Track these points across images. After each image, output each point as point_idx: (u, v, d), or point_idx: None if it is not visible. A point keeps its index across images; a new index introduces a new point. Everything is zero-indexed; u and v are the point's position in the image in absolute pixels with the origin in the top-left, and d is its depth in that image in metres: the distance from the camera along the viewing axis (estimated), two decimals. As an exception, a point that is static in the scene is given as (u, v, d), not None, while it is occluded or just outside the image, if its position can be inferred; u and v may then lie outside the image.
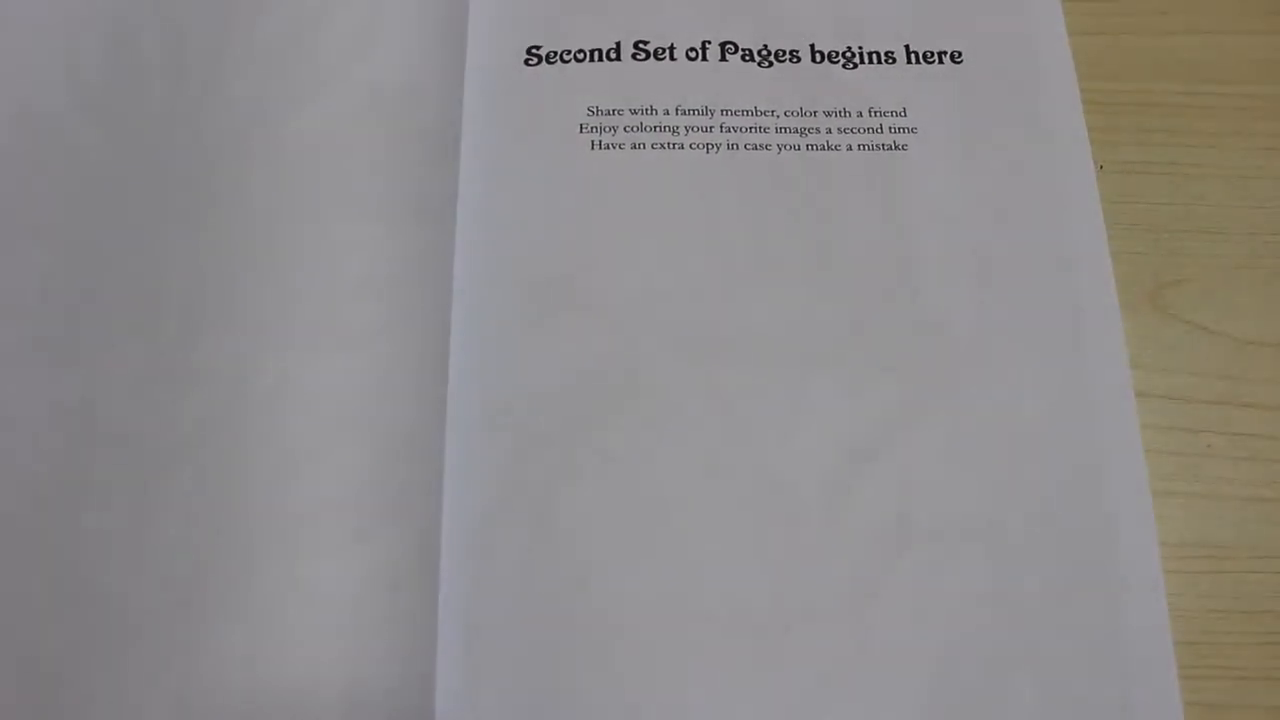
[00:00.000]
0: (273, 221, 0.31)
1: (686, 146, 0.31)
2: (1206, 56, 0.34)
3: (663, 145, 0.31)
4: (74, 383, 0.30)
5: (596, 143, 0.31)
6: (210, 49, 0.33)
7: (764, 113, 0.32)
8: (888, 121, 0.32)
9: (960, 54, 0.33)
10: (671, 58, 0.33)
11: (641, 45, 0.33)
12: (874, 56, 0.33)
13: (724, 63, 0.33)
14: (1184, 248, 0.32)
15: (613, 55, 0.32)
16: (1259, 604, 0.29)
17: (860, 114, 0.32)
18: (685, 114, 0.32)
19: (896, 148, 0.32)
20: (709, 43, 0.33)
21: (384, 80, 0.33)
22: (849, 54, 0.33)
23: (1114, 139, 0.33)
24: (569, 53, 0.32)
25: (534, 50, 0.33)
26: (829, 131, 0.32)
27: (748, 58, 0.33)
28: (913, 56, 0.33)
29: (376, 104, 0.32)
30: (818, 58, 0.33)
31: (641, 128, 0.32)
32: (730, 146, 0.32)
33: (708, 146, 0.32)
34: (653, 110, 0.32)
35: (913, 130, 0.32)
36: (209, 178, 0.32)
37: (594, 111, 0.32)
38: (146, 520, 0.29)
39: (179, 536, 0.28)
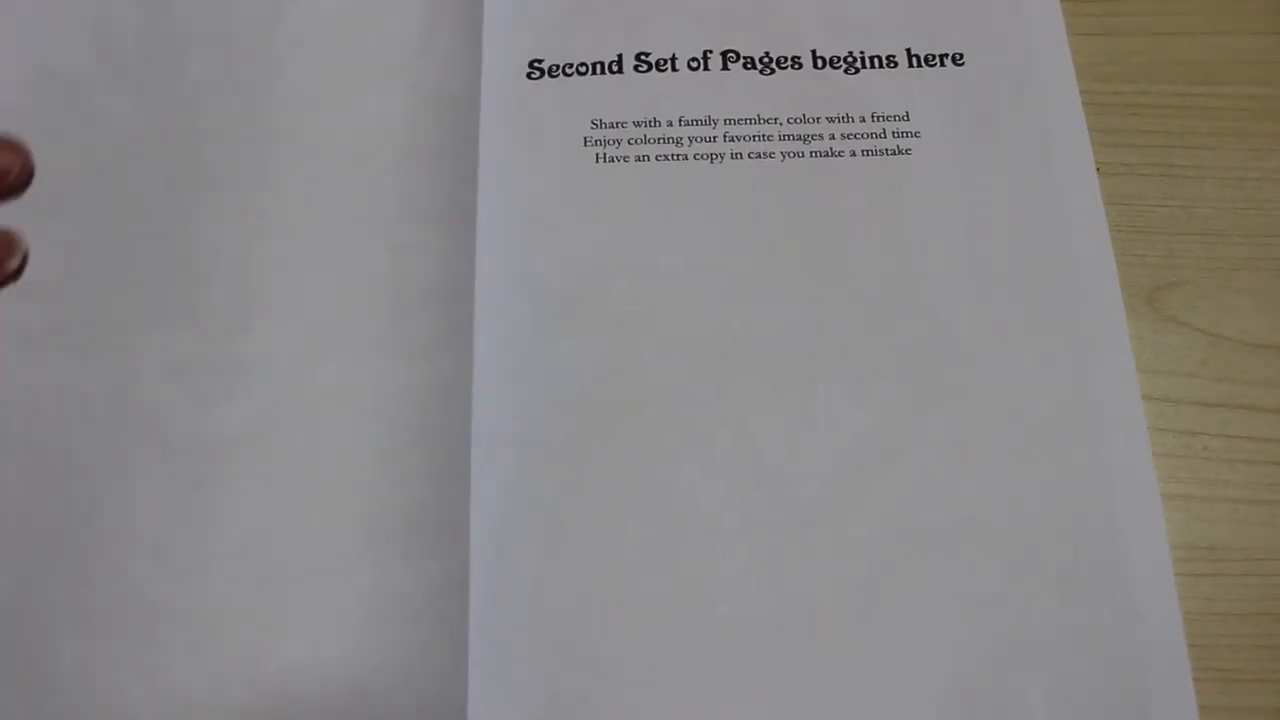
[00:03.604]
0: (319, 216, 0.31)
1: (691, 157, 0.32)
2: (1205, 58, 0.34)
3: (667, 156, 0.32)
4: (102, 371, 0.30)
5: (601, 155, 0.32)
6: (260, 26, 0.33)
7: (767, 120, 0.32)
8: (890, 126, 0.32)
9: (962, 56, 0.33)
10: (674, 68, 0.33)
11: (643, 57, 0.33)
12: (875, 61, 0.33)
13: (726, 72, 0.33)
14: (1182, 250, 0.32)
15: (615, 67, 0.33)
16: (1256, 606, 0.29)
17: (863, 119, 0.32)
18: (688, 124, 0.32)
19: (900, 152, 0.32)
20: (710, 52, 0.33)
21: (422, 85, 0.33)
22: (850, 59, 0.33)
23: (1112, 140, 0.33)
24: (571, 66, 0.33)
25: (536, 64, 0.33)
26: (832, 138, 0.32)
27: (749, 66, 0.33)
28: (914, 60, 0.33)
29: (410, 111, 0.32)
30: (819, 64, 0.33)
31: (646, 139, 0.32)
32: (734, 155, 0.32)
33: (712, 156, 0.32)
34: (656, 121, 0.32)
35: (915, 134, 0.32)
36: (257, 160, 0.32)
37: (598, 124, 0.32)
38: (190, 521, 0.29)
39: (229, 541, 0.28)
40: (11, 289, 0.30)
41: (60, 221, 0.31)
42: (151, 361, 0.30)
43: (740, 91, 0.32)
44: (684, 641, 0.27)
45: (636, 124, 0.32)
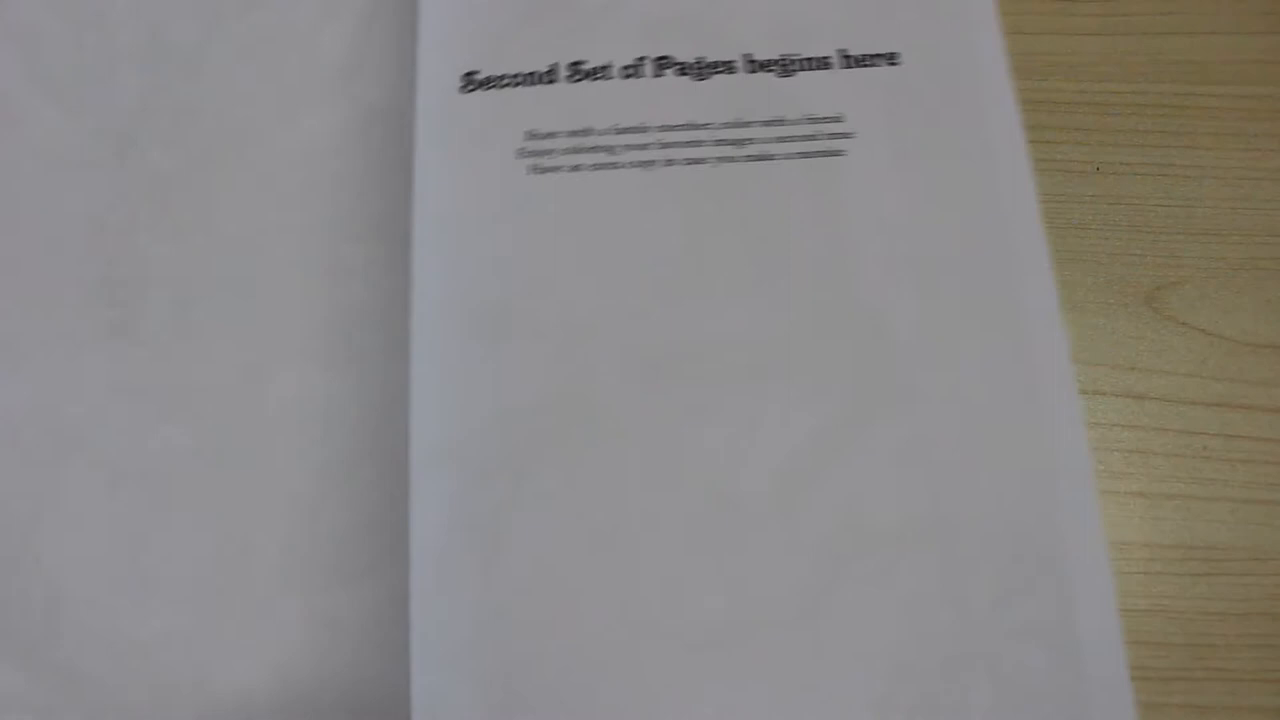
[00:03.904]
0: (253, 235, 0.31)
1: (624, 165, 0.31)
2: (1203, 57, 0.34)
3: (601, 165, 0.31)
4: (26, 387, 0.29)
5: (535, 166, 0.31)
6: (191, 48, 0.33)
7: (700, 126, 0.32)
8: (824, 128, 0.32)
9: (896, 56, 0.33)
10: (607, 77, 0.32)
11: (577, 66, 0.33)
12: (809, 63, 0.33)
13: (659, 78, 0.32)
14: (1181, 249, 0.32)
15: (549, 78, 0.32)
16: (1255, 606, 0.29)
17: (796, 122, 0.32)
18: (622, 133, 0.32)
19: (834, 153, 0.31)
20: (644, 59, 0.33)
21: (357, 103, 0.33)
22: (784, 62, 0.33)
23: (1112, 140, 0.33)
24: (506, 77, 0.32)
25: (471, 76, 0.32)
26: (765, 141, 0.32)
27: (683, 72, 0.33)
28: (848, 61, 0.33)
29: (346, 128, 0.33)
30: (752, 67, 0.33)
31: (579, 149, 0.32)
32: (668, 162, 0.31)
33: (645, 164, 0.31)
34: (590, 131, 0.32)
35: (849, 135, 0.32)
36: (188, 178, 0.32)
37: (532, 135, 0.32)
38: (131, 543, 0.28)
39: (171, 563, 0.28)
40: None
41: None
42: (81, 382, 0.30)
43: (673, 98, 0.32)
44: (629, 651, 0.27)
45: (570, 134, 0.32)
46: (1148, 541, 0.29)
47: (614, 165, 0.31)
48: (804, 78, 0.32)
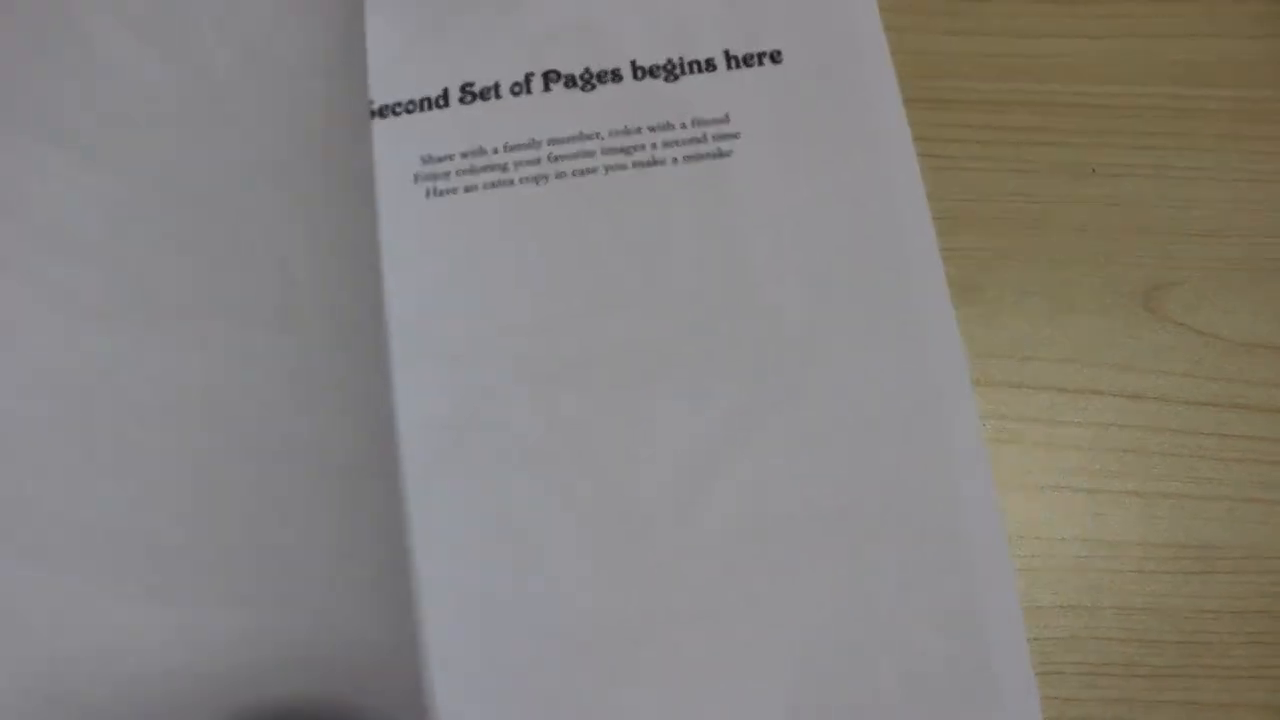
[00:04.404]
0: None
1: (516, 182, 0.32)
2: (1201, 60, 0.34)
3: (494, 184, 0.32)
4: (165, 348, 0.30)
5: (431, 190, 0.32)
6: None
7: (589, 136, 0.32)
8: (711, 129, 0.32)
9: (780, 54, 0.33)
10: (497, 96, 0.33)
11: (468, 88, 0.33)
12: (695, 66, 0.33)
13: (548, 93, 0.33)
14: (1177, 250, 0.32)
15: (441, 102, 0.33)
16: (1250, 604, 0.29)
17: (684, 125, 0.32)
18: (513, 150, 0.32)
19: (721, 154, 0.32)
20: (532, 75, 0.33)
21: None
22: (670, 66, 0.33)
23: (1111, 141, 0.33)
24: (400, 105, 0.33)
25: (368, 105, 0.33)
26: (654, 147, 0.32)
27: (570, 84, 0.33)
28: (733, 61, 0.33)
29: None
30: (639, 74, 0.33)
31: (472, 170, 0.32)
32: (559, 175, 0.32)
33: (537, 179, 0.32)
34: (482, 151, 0.32)
35: (736, 136, 0.32)
36: (308, 144, 0.32)
37: (427, 160, 0.32)
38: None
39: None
40: (50, 248, 0.30)
41: (98, 171, 0.31)
42: (222, 352, 0.30)
43: (562, 111, 0.32)
44: (538, 655, 0.28)
45: (463, 155, 0.32)
46: (1143, 540, 0.29)
47: (508, 183, 0.32)
48: (690, 81, 0.33)
